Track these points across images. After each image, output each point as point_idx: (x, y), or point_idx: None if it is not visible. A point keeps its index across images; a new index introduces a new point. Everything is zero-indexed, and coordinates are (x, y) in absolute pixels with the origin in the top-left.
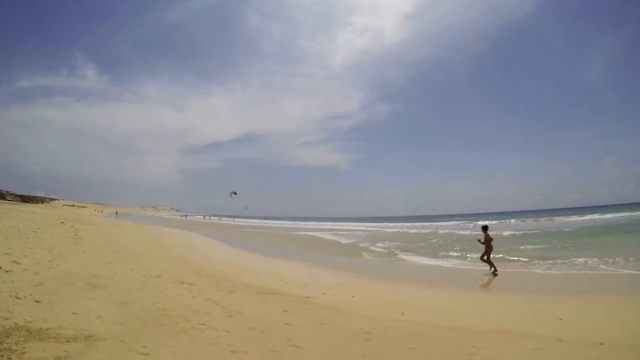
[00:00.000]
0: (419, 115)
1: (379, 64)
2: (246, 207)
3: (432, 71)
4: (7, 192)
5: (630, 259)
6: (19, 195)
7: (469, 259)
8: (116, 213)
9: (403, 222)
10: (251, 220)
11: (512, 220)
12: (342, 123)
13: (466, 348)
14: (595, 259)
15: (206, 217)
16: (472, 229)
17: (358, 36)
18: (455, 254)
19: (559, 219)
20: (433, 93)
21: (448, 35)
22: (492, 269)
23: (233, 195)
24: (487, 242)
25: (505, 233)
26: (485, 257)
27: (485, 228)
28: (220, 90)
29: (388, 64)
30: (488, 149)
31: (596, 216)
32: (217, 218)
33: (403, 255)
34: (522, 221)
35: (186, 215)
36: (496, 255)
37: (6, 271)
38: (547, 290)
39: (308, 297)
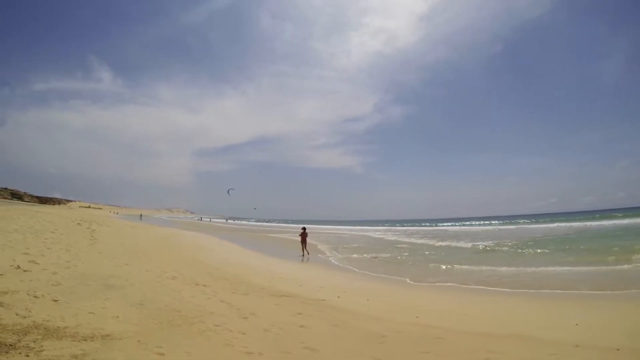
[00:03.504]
0: (433, 118)
1: (392, 66)
2: (255, 209)
3: (446, 73)
4: (25, 193)
5: None
6: (37, 197)
7: (483, 264)
8: (140, 216)
9: (415, 225)
10: (265, 224)
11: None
12: (355, 126)
13: (481, 352)
14: (611, 265)
15: (229, 221)
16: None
17: (371, 38)
18: (466, 258)
19: (573, 224)
20: (447, 95)
21: (462, 36)
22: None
23: (231, 191)
24: (303, 237)
25: (516, 236)
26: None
27: (303, 229)
28: (234, 93)
29: (402, 65)
30: (502, 152)
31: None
32: (228, 220)
33: (414, 258)
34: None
35: (201, 218)
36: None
37: (24, 270)
38: (561, 294)
39: (323, 300)
